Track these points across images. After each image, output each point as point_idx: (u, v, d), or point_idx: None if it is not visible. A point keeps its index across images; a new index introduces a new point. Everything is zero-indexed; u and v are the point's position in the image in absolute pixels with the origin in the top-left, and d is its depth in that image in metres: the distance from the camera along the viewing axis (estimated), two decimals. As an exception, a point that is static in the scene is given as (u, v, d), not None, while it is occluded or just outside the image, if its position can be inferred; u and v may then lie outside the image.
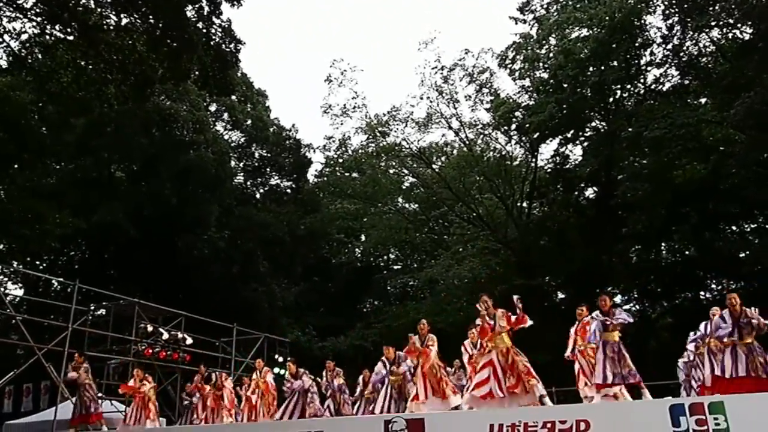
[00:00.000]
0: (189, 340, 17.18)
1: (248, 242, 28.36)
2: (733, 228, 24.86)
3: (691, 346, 9.78)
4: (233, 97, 30.58)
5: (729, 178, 21.21)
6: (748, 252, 23.60)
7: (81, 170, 26.03)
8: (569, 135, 27.93)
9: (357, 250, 37.91)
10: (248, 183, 34.25)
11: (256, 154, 33.59)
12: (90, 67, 15.70)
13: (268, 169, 33.98)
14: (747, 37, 21.99)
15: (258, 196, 34.16)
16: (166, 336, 16.28)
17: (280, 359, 19.16)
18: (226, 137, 32.19)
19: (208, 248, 26.64)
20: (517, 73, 28.54)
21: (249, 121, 32.33)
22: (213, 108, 31.60)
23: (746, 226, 24.68)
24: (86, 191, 25.01)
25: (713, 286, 25.51)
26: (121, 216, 23.96)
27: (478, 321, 8.05)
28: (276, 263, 30.29)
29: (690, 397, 6.97)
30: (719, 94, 21.98)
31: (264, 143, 32.88)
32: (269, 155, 33.26)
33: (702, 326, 8.99)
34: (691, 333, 9.71)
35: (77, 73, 15.58)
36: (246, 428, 9.71)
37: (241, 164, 33.64)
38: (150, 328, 15.89)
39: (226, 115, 32.32)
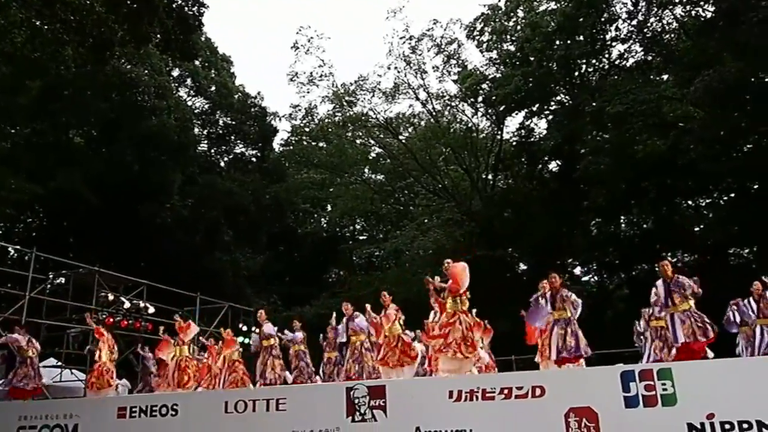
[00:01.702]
0: (151, 309, 17.01)
1: (212, 211, 28.02)
2: (689, 202, 25.66)
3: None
4: (197, 63, 29.83)
5: (686, 154, 21.76)
6: (702, 226, 24.44)
7: (37, 134, 25.18)
8: (534, 108, 28.21)
9: (323, 219, 37.87)
10: (212, 151, 33.69)
11: (221, 122, 32.98)
12: (45, 27, 15.10)
13: (232, 137, 33.43)
14: (709, 15, 22.40)
15: (222, 164, 33.67)
16: (127, 305, 16.09)
17: (245, 328, 19.15)
18: (189, 103, 31.50)
19: (171, 216, 26.25)
20: (484, 45, 28.57)
21: (213, 88, 31.65)
22: (176, 73, 30.82)
23: (701, 201, 25.50)
24: (43, 156, 24.25)
25: (669, 258, 26.34)
26: (81, 182, 23.34)
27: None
28: (240, 232, 30.06)
29: (640, 364, 7.28)
30: (680, 71, 22.42)
31: (228, 110, 32.28)
32: (234, 123, 32.69)
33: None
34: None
35: (32, 33, 14.99)
36: (210, 396, 9.74)
37: (205, 131, 33.02)
38: (111, 297, 15.66)
39: (189, 81, 31.56)
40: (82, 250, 23.57)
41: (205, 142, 33.06)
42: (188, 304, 19.66)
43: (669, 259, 8.33)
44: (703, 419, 6.11)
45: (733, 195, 23.77)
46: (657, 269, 8.14)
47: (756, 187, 22.21)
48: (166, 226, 25.75)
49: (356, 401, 7.44)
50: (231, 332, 11.84)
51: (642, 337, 10.88)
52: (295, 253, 35.36)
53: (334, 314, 11.38)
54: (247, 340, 14.59)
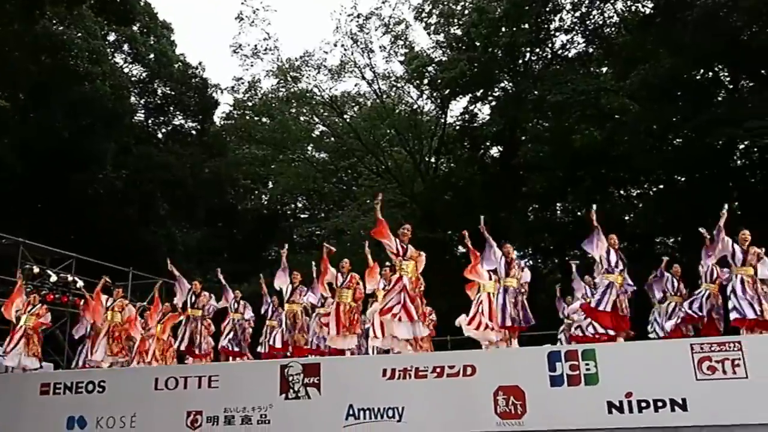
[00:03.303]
0: (80, 283, 16.38)
1: (148, 183, 27.13)
2: (621, 192, 26.68)
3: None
4: (134, 28, 28.59)
5: (621, 145, 22.60)
6: (632, 215, 25.49)
7: (-42, 96, 23.68)
8: (479, 94, 28.52)
9: (264, 196, 37.31)
10: (149, 121, 32.51)
11: (159, 91, 31.81)
12: (-32, -20, 14.14)
13: (171, 108, 32.32)
14: (648, 11, 23.18)
15: (160, 135, 32.54)
16: (54, 278, 15.48)
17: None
18: (125, 71, 30.23)
19: (103, 188, 25.29)
20: (432, 28, 28.60)
21: (152, 56, 30.42)
22: (111, 38, 29.42)
23: (632, 191, 26.56)
24: (-36, 120, 22.86)
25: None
26: (6, 148, 22.17)
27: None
28: (177, 206, 29.29)
29: (566, 345, 7.59)
30: (619, 64, 23.18)
31: (168, 80, 31.14)
32: (173, 93, 31.58)
33: None
34: None
35: (-47, -14, 14.00)
36: (139, 372, 9.54)
37: (142, 101, 31.79)
38: (36, 270, 15.03)
39: (126, 47, 30.20)
40: (6, 220, 22.31)
41: (142, 111, 31.88)
42: (120, 278, 19.07)
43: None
44: (622, 398, 6.46)
45: (661, 186, 24.86)
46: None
47: (683, 180, 23.30)
48: (98, 198, 24.82)
49: (290, 379, 7.46)
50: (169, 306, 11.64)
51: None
52: (235, 229, 34.73)
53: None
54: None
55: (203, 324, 10.54)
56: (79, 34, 25.11)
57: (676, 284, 9.91)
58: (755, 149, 19.74)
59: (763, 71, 20.90)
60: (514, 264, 8.71)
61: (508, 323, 8.27)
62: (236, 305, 11.44)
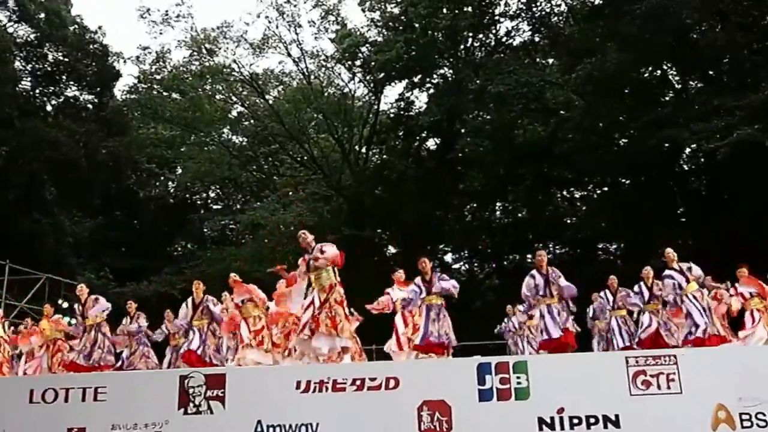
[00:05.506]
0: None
1: (32, 162, 25.83)
2: (564, 193, 27.57)
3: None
4: (21, -18, 27.19)
5: (565, 143, 23.32)
6: (574, 218, 26.39)
7: None
8: (416, 80, 28.77)
9: (170, 183, 36.27)
10: (37, 91, 30.90)
11: (50, 57, 30.26)
12: None
13: (64, 77, 30.83)
14: (596, 1, 24.03)
15: (49, 108, 31.00)
16: None
17: (66, 305, 18.04)
18: (9, 31, 28.62)
19: (-23, 167, 23.96)
20: (367, 4, 28.58)
21: (42, 15, 28.91)
22: (-7, -9, 27.85)
23: (575, 192, 27.49)
24: None
25: (540, 249, 28.29)
26: None
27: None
28: (67, 191, 28.07)
29: (497, 357, 7.74)
30: (565, 56, 23.91)
31: (60, 44, 29.67)
32: (67, 60, 30.14)
33: None
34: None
35: None
36: (10, 382, 9.07)
37: (29, 67, 30.17)
38: None
39: (11, 3, 28.60)
40: None
41: (29, 79, 30.24)
42: (-6, 273, 18.25)
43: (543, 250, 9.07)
44: (553, 414, 6.64)
45: (606, 189, 25.84)
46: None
47: (627, 183, 24.31)
48: (-29, 178, 23.51)
49: (191, 391, 7.24)
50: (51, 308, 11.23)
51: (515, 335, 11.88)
52: (135, 219, 33.63)
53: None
54: (68, 319, 13.76)
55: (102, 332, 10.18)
56: (-48, -16, 23.63)
57: (611, 298, 10.33)
58: (701, 153, 20.77)
59: (711, 72, 22.07)
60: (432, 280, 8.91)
61: (429, 341, 8.51)
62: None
